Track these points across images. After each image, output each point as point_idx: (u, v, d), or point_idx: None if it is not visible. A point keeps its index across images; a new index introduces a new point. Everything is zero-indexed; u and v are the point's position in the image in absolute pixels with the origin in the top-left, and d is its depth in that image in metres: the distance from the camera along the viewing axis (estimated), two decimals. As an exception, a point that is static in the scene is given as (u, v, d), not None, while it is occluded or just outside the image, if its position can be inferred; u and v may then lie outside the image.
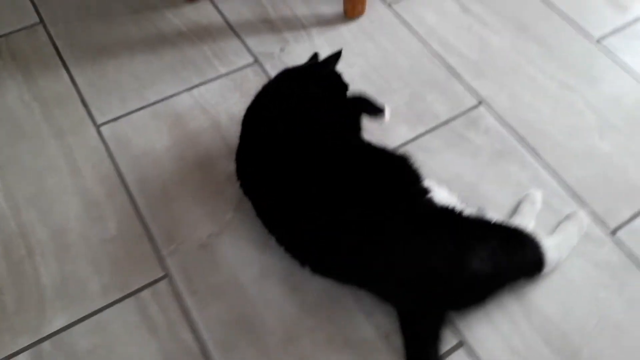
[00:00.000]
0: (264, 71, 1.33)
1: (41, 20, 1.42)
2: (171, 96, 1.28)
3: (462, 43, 1.40)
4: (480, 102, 1.29)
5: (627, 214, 1.12)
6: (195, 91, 1.29)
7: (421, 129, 1.24)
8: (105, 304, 1.01)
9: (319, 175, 0.99)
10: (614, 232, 1.09)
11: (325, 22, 1.43)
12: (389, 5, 1.47)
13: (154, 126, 1.23)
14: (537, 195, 1.13)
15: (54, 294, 1.02)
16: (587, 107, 1.28)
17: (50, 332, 0.97)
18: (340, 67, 1.31)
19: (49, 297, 1.01)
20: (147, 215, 1.11)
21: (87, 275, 1.04)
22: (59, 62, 1.34)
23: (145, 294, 1.03)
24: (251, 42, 1.39)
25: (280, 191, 1.00)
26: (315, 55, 1.24)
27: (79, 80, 1.30)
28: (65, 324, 0.98)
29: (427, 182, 1.01)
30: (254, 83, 1.30)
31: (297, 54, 1.36)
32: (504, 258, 0.95)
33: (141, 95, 1.28)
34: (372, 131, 1.18)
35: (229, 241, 1.08)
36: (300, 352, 0.96)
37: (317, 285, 1.02)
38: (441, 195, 1.00)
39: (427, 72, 1.34)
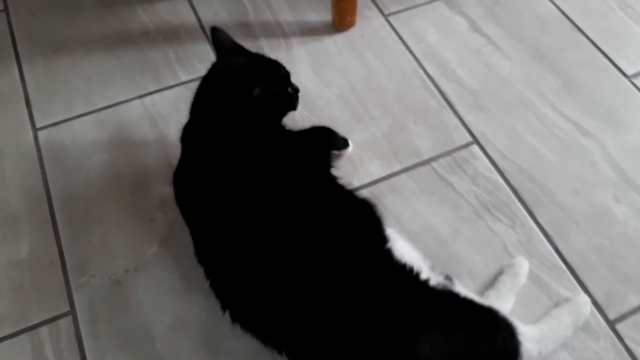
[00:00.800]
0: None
1: (5, 8, 1.32)
2: (121, 103, 1.16)
3: (464, 68, 1.20)
4: (473, 141, 1.09)
5: (633, 303, 0.90)
6: (147, 99, 1.16)
7: (396, 167, 1.06)
8: (-6, 338, 0.89)
9: (263, 209, 0.83)
10: (613, 323, 0.88)
11: (309, 31, 1.27)
12: (386, 17, 1.29)
13: (95, 136, 1.11)
14: (524, 266, 0.93)
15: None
16: (604, 159, 1.06)
17: None
18: (316, 85, 1.15)
19: None
20: (65, 239, 0.99)
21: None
22: (12, 55, 1.24)
23: (43, 330, 0.90)
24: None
25: (216, 221, 0.85)
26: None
27: (27, 77, 1.20)
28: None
29: (389, 233, 0.84)
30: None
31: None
32: (464, 347, 0.77)
33: (89, 100, 1.16)
34: (338, 164, 1.03)
35: (146, 281, 0.94)
36: None
37: (237, 346, 0.87)
38: (402, 250, 0.82)
39: (415, 99, 1.15)
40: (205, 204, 0.86)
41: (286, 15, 1.30)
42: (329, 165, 0.95)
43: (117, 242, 0.98)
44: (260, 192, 0.84)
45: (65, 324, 0.91)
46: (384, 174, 1.05)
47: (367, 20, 1.28)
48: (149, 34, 1.26)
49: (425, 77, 1.19)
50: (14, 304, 0.93)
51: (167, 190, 0.97)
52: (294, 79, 1.01)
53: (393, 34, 1.26)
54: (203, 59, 1.21)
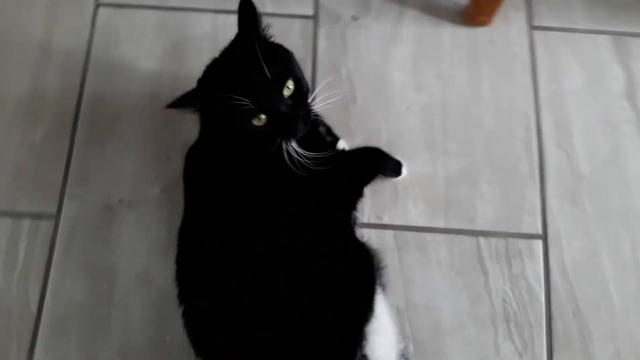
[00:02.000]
0: (314, 35, 1.02)
1: None
2: (192, 10, 1.03)
3: (586, 139, 0.96)
4: (541, 235, 0.91)
5: None
6: (221, 17, 1.03)
7: (440, 222, 0.91)
8: (-19, 211, 0.91)
9: (256, 229, 0.74)
10: None
11: (432, 9, 1.04)
12: (531, 28, 1.03)
13: (152, 37, 1.01)
14: None
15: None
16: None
17: None
18: (405, 82, 0.97)
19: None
20: (79, 141, 0.96)
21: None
22: None
23: (25, 222, 0.91)
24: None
25: (209, 218, 0.76)
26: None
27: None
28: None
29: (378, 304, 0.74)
30: (293, 42, 1.00)
31: (369, 32, 1.02)
32: None
33: (166, -8, 1.04)
34: (379, 189, 0.91)
35: (134, 220, 0.91)
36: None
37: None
38: (378, 342, 0.73)
39: (507, 152, 0.95)
40: (205, 200, 0.77)
41: (416, -22, 1.07)
42: (353, 205, 0.81)
43: (125, 168, 0.94)
44: (258, 210, 0.74)
45: (46, 225, 0.91)
46: (421, 223, 0.91)
47: (506, 24, 1.03)
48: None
49: (534, 129, 0.97)
50: (11, 184, 0.93)
51: (193, 138, 0.89)
52: (387, 62, 0.90)
53: (527, 55, 1.01)
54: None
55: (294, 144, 0.73)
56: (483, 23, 1.02)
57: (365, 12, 1.04)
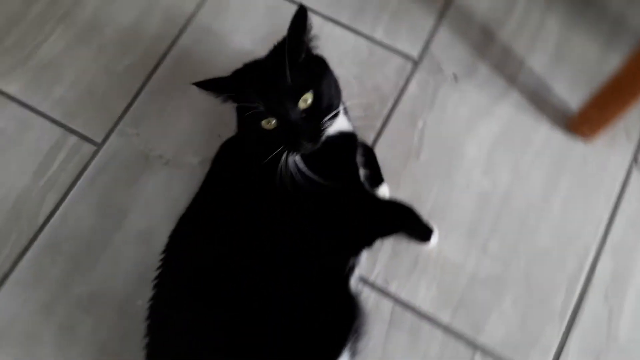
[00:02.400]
0: (408, 77, 0.98)
1: None
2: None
3: (637, 303, 0.86)
4: (543, 379, 0.82)
5: None
6: (328, 26, 1.01)
7: (444, 317, 0.85)
8: (42, 112, 0.96)
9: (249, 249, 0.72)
10: None
11: (537, 100, 0.97)
12: (634, 162, 0.93)
13: (258, 19, 1.02)
14: None
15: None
16: None
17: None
18: (476, 158, 0.92)
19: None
20: (151, 86, 0.98)
21: (65, 82, 0.98)
22: None
23: (72, 139, 0.95)
24: (442, 39, 1.01)
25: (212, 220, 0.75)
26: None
27: None
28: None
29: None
30: (385, 74, 0.97)
31: (463, 96, 0.97)
32: None
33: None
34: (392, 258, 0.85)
35: (162, 180, 0.93)
36: None
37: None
38: None
39: (547, 276, 0.87)
40: (213, 192, 0.77)
41: (539, 61, 0.99)
42: (356, 250, 0.76)
43: (178, 127, 0.96)
44: (252, 218, 0.72)
45: (87, 149, 0.94)
46: (425, 309, 0.85)
47: (608, 148, 0.94)
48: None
49: (586, 268, 0.87)
50: (77, 100, 0.97)
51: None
52: (467, 133, 0.89)
53: (617, 189, 0.92)
54: (412, 37, 1.00)
55: (297, 159, 0.70)
56: (584, 136, 0.93)
57: (468, 75, 0.98)
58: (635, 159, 0.94)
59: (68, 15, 1.02)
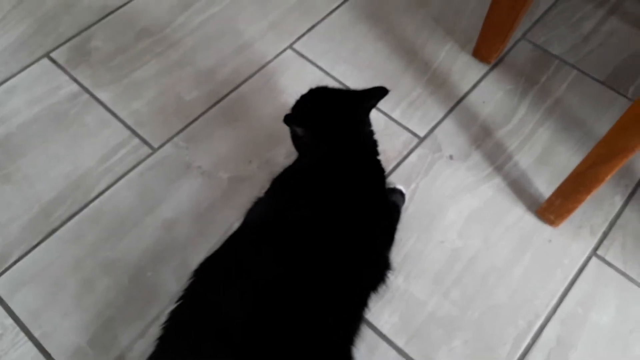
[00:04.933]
0: (411, 150, 1.21)
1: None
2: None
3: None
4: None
5: None
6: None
7: (400, 342, 0.99)
8: (119, 117, 1.24)
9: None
10: None
11: (515, 189, 1.17)
12: (593, 253, 1.09)
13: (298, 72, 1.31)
14: None
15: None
16: None
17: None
18: (449, 225, 1.11)
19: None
20: (211, 115, 1.26)
21: (144, 99, 1.28)
22: None
23: (135, 141, 1.22)
24: (447, 127, 1.25)
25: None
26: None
27: None
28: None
29: None
30: (391, 143, 1.21)
31: (454, 172, 1.18)
32: None
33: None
34: None
35: (201, 184, 1.16)
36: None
37: (169, 288, 1.04)
38: None
39: (498, 329, 1.01)
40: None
41: (525, 160, 1.21)
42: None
43: (222, 148, 1.20)
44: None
45: (143, 151, 1.20)
46: (385, 331, 1.00)
47: (572, 237, 1.11)
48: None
49: (534, 329, 1.01)
50: (149, 114, 1.26)
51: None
52: (450, 201, 1.13)
53: (574, 271, 1.07)
54: (422, 120, 1.26)
55: None
56: (551, 223, 1.11)
57: (462, 157, 1.21)
58: (594, 251, 1.10)
59: (163, 53, 1.34)
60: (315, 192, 0.90)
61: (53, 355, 0.97)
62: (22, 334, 0.98)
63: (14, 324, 0.99)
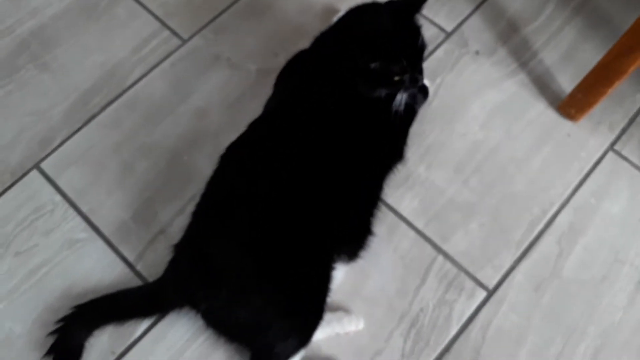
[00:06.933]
0: (437, 45, 1.24)
1: None
2: None
3: (587, 254, 1.06)
4: (490, 290, 1.03)
5: None
6: None
7: (419, 223, 1.08)
8: (149, 9, 1.28)
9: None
10: None
11: (538, 84, 1.20)
12: (610, 148, 1.14)
13: None
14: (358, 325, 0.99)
15: None
16: None
17: None
18: (472, 118, 1.17)
19: None
20: (238, 8, 1.28)
21: None
22: None
23: (165, 33, 1.26)
24: (475, 22, 1.27)
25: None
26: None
27: None
28: None
29: None
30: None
31: (480, 67, 1.22)
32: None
33: None
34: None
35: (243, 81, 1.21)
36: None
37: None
38: None
39: (514, 213, 1.09)
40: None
41: (550, 56, 1.23)
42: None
43: (249, 40, 1.24)
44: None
45: (174, 43, 1.25)
46: (405, 214, 1.08)
47: (590, 132, 1.16)
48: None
49: (548, 216, 1.09)
50: (178, 5, 1.29)
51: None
52: (474, 95, 1.18)
53: (590, 164, 1.13)
54: (450, 14, 1.27)
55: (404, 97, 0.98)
56: (571, 117, 1.16)
57: (488, 53, 1.24)
58: (611, 146, 1.15)
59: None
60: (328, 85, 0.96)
61: (100, 228, 1.07)
62: (71, 210, 1.08)
63: (63, 200, 1.09)
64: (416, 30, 0.95)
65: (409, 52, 0.94)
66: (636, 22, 0.95)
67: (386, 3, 0.98)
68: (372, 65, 0.92)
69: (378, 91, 0.94)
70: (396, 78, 0.93)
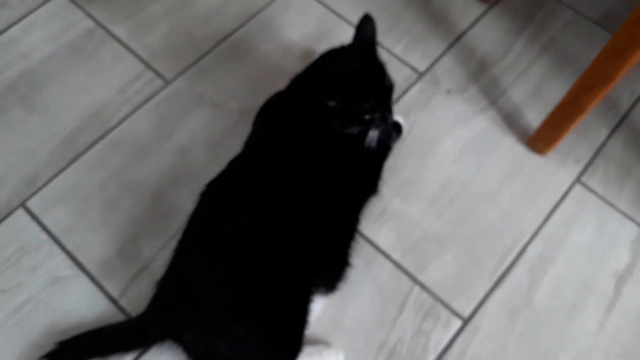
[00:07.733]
0: (411, 84, 1.31)
1: None
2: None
3: (557, 283, 1.11)
4: (465, 319, 1.07)
5: None
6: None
7: (396, 255, 1.12)
8: (134, 51, 1.34)
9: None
10: None
11: (508, 120, 1.27)
12: (577, 180, 1.20)
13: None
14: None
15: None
16: None
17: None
18: (445, 152, 1.22)
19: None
20: (221, 51, 1.35)
21: (157, 35, 1.36)
22: None
23: (150, 74, 1.31)
24: (446, 63, 1.34)
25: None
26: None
27: None
28: None
29: None
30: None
31: (451, 105, 1.29)
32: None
33: None
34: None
35: (213, 118, 1.27)
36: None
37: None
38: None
39: (486, 245, 1.14)
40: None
41: (519, 94, 1.31)
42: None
43: (232, 81, 1.30)
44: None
45: (158, 84, 1.30)
46: (384, 247, 1.13)
47: (558, 166, 1.22)
48: (424, 2, 1.42)
49: (520, 246, 1.14)
50: (162, 48, 1.35)
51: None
52: (447, 131, 1.22)
53: (558, 196, 1.19)
54: (425, 55, 1.35)
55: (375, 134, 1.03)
56: (540, 151, 1.22)
57: (459, 92, 1.31)
58: (578, 178, 1.21)
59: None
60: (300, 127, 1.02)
61: (85, 265, 1.10)
62: (56, 247, 1.11)
63: (49, 238, 1.12)
64: (381, 70, 1.01)
65: (377, 91, 1.00)
66: (593, 64, 1.02)
67: (352, 45, 1.04)
68: (330, 103, 0.97)
69: (350, 129, 1.00)
70: (367, 117, 0.99)
